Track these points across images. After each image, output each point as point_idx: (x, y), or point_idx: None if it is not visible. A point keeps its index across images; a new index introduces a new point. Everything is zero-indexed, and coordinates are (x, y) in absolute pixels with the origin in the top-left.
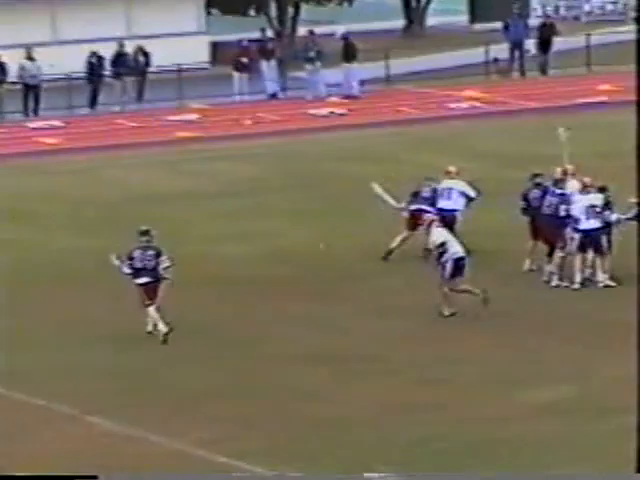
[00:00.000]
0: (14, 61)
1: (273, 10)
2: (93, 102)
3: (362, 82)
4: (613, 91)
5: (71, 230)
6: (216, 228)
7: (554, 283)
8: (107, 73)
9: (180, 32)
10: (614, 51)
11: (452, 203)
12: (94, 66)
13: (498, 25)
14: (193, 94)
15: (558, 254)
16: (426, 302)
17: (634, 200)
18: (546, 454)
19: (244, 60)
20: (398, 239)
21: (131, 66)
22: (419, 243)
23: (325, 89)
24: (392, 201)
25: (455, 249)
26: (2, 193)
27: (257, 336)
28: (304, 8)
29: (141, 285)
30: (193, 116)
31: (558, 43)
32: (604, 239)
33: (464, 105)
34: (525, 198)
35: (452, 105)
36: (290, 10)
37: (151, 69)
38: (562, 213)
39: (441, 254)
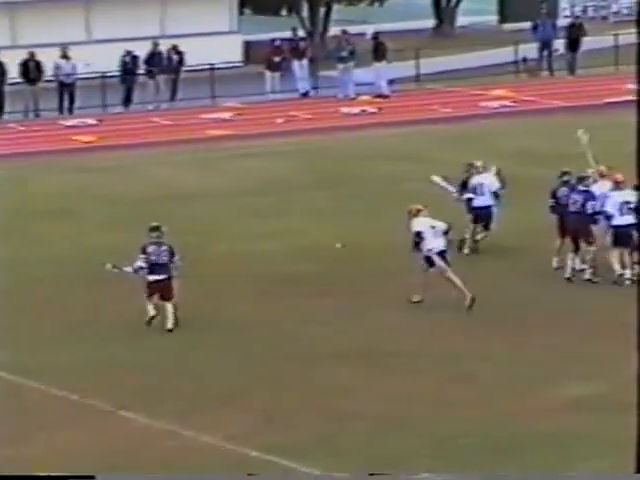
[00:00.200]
0: (50, 60)
1: (305, 10)
2: (127, 100)
3: (391, 81)
4: None
5: (103, 227)
6: (247, 226)
7: (587, 276)
8: (141, 72)
9: (213, 31)
10: None
11: (485, 199)
12: (128, 65)
13: (527, 25)
14: (226, 93)
15: (589, 250)
16: (453, 298)
17: None
18: (573, 450)
19: (276, 59)
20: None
21: (165, 65)
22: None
23: (354, 89)
24: (452, 189)
25: (433, 243)
26: (36, 190)
27: (286, 332)
28: (335, 8)
29: (157, 282)
30: (226, 114)
31: (586, 43)
32: (636, 236)
33: (493, 104)
34: (554, 196)
35: (482, 104)
36: (322, 10)
37: (184, 68)
38: (589, 210)
39: (417, 243)
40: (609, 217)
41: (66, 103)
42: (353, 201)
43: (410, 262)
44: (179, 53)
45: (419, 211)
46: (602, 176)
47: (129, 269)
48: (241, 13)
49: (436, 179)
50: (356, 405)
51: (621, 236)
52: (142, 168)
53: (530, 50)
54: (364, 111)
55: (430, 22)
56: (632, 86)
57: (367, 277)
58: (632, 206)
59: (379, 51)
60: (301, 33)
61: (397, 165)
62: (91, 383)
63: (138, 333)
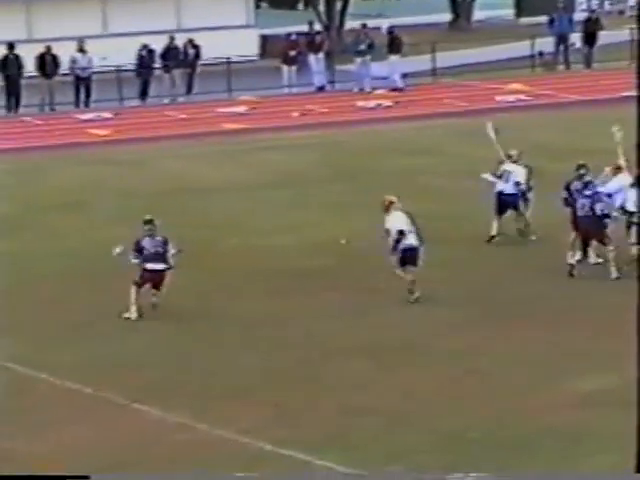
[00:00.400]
0: (66, 54)
1: (321, 4)
2: (143, 94)
3: (405, 75)
4: None
5: (117, 221)
6: (262, 220)
7: (614, 275)
8: (157, 66)
9: (229, 25)
10: None
11: (510, 186)
12: (144, 59)
13: (543, 19)
14: (242, 86)
15: (608, 249)
16: (465, 293)
17: None
18: (579, 446)
19: (292, 53)
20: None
21: (181, 59)
22: (457, 234)
23: (370, 83)
24: (501, 151)
25: (409, 240)
26: (51, 183)
27: (297, 327)
28: (352, 2)
29: (154, 271)
30: (242, 108)
31: (603, 37)
32: None
33: (510, 98)
34: (567, 188)
35: (498, 98)
36: (338, 4)
37: (201, 62)
38: (598, 212)
39: (398, 241)
40: (631, 214)
41: (82, 97)
42: (368, 195)
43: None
44: (195, 47)
45: (392, 203)
46: (619, 169)
47: (136, 261)
48: (257, 7)
49: (490, 131)
50: (366, 400)
51: None
52: (157, 162)
53: (546, 44)
54: (380, 105)
55: (446, 16)
56: None
57: (381, 272)
58: None
59: (394, 45)
60: (317, 27)
61: (413, 159)
62: (104, 377)
63: (152, 327)
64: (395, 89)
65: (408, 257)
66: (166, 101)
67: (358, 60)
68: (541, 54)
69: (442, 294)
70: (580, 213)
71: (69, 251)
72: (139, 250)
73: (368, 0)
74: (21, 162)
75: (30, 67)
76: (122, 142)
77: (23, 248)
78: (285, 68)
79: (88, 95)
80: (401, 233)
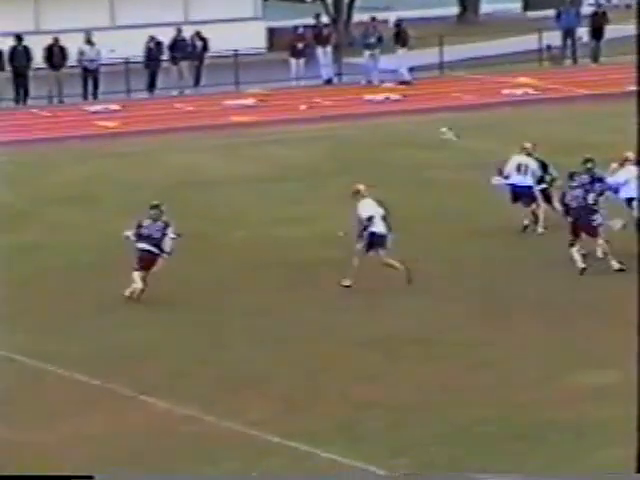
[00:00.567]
0: (74, 45)
1: None
2: (151, 86)
3: (412, 68)
4: None
5: (123, 213)
6: (270, 212)
7: (616, 267)
8: (165, 58)
9: (237, 18)
10: None
11: (526, 179)
12: (152, 51)
13: (551, 13)
14: (249, 79)
15: (598, 243)
16: (471, 286)
17: None
18: (591, 438)
19: (300, 46)
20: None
21: (188, 51)
22: (466, 227)
23: (378, 76)
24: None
25: (378, 227)
26: (58, 176)
27: (306, 319)
28: None
29: (141, 250)
30: (249, 101)
31: (610, 31)
32: None
33: (517, 92)
34: (571, 178)
35: (505, 91)
36: None
37: (208, 54)
38: (590, 201)
39: (365, 228)
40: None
41: (90, 89)
42: (376, 188)
43: (425, 248)
44: (203, 39)
45: (358, 191)
46: (628, 161)
47: (128, 233)
48: None
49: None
50: (375, 392)
51: None
52: (165, 154)
53: (554, 38)
54: (387, 98)
55: (454, 9)
56: None
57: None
58: None
59: (400, 38)
60: (325, 20)
61: (420, 152)
62: (112, 368)
63: (158, 319)
64: (403, 82)
65: (375, 241)
66: (174, 93)
67: (367, 53)
68: (549, 48)
69: (451, 287)
70: (573, 204)
71: (77, 243)
72: (138, 228)
73: None
74: (29, 154)
75: (38, 59)
76: (130, 134)
77: (31, 240)
78: (293, 61)
79: (96, 87)
80: (369, 219)
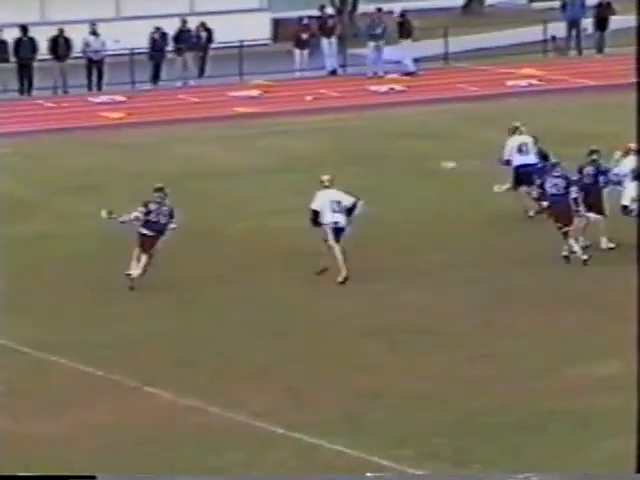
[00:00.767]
0: (79, 36)
1: None
2: (155, 77)
3: (417, 59)
4: None
5: (130, 204)
6: (275, 203)
7: (584, 257)
8: (169, 49)
9: (242, 9)
10: None
11: (531, 157)
12: (157, 42)
13: (556, 4)
14: (254, 70)
15: (569, 230)
16: (475, 278)
17: None
18: (596, 429)
19: (305, 37)
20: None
21: (193, 42)
22: (469, 217)
23: (382, 67)
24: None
25: (331, 218)
26: (63, 166)
27: (310, 310)
28: None
29: (145, 236)
30: (254, 92)
31: (615, 22)
32: None
33: (522, 83)
34: (580, 172)
35: (510, 82)
36: None
37: (213, 45)
38: (573, 195)
39: (314, 220)
40: None
41: (95, 80)
42: (380, 179)
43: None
44: (208, 30)
45: (321, 182)
46: (630, 151)
47: (124, 218)
48: None
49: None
50: (380, 383)
51: None
52: (170, 145)
53: (559, 29)
54: (392, 89)
55: (459, 0)
56: None
57: (391, 255)
58: None
59: (405, 29)
60: (330, 11)
61: (425, 143)
62: (116, 359)
63: (163, 310)
64: (407, 73)
65: (336, 236)
66: (178, 84)
67: (372, 44)
68: (554, 39)
69: (452, 278)
70: (552, 191)
71: (81, 233)
72: (147, 214)
73: None
74: (34, 145)
75: (43, 50)
76: (134, 125)
77: (35, 230)
78: (297, 52)
79: (101, 78)
80: (315, 213)
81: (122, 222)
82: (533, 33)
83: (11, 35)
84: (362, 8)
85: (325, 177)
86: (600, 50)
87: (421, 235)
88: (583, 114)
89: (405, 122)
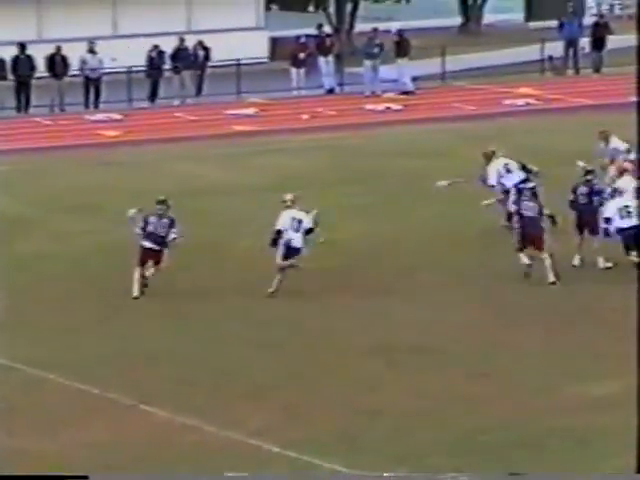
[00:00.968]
0: (76, 54)
1: (332, 6)
2: (153, 95)
3: (415, 78)
4: None
5: (125, 222)
6: (271, 220)
7: (551, 279)
8: (167, 67)
9: (239, 27)
10: None
11: (516, 176)
12: (154, 60)
13: (553, 23)
14: (251, 88)
15: (542, 256)
16: (474, 296)
17: None
18: (593, 448)
19: (302, 55)
20: None
21: (191, 60)
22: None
23: (379, 86)
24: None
25: (290, 236)
26: (60, 185)
27: (308, 328)
28: (362, 5)
29: (145, 249)
30: (251, 110)
31: (612, 41)
32: None
33: (519, 102)
34: (574, 192)
35: (507, 102)
36: (348, 6)
37: (210, 63)
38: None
39: (274, 240)
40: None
41: (92, 98)
42: (377, 197)
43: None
44: (205, 49)
45: (284, 202)
46: (625, 171)
47: (138, 230)
48: (268, 9)
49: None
50: (378, 401)
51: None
52: (167, 163)
53: (556, 48)
54: (389, 108)
55: (457, 20)
56: None
57: (389, 273)
58: None
59: (402, 48)
60: (327, 29)
61: (422, 162)
62: (112, 377)
63: (160, 328)
64: (405, 92)
65: (290, 253)
66: (176, 103)
67: (368, 63)
68: (551, 58)
69: (451, 296)
70: (527, 214)
71: (78, 252)
72: (144, 225)
73: (378, 3)
74: (30, 162)
75: (40, 67)
76: (131, 143)
77: (32, 249)
78: (294, 70)
79: (98, 96)
80: (278, 233)
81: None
82: (530, 52)
83: (9, 53)
84: (359, 27)
85: (288, 196)
86: (597, 70)
87: (419, 253)
88: (580, 133)
89: (402, 141)
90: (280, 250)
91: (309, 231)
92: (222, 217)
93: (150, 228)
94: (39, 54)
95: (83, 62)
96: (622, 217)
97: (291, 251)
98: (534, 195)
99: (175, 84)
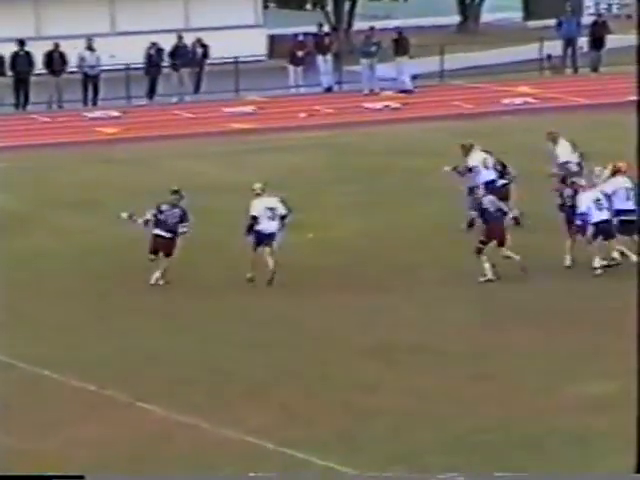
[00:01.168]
0: (74, 51)
1: (330, 4)
2: (151, 93)
3: (414, 76)
4: None
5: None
6: None
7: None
8: (165, 64)
9: (238, 25)
10: None
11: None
12: (153, 57)
13: (551, 22)
14: (249, 86)
15: (502, 251)
16: (473, 294)
17: None
18: (593, 448)
19: (300, 54)
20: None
21: (189, 58)
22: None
23: (377, 84)
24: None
25: (265, 225)
26: (59, 181)
27: (306, 327)
28: (360, 3)
29: (156, 236)
30: (249, 108)
31: (610, 41)
32: None
33: (517, 101)
34: (560, 195)
35: (505, 101)
36: (346, 5)
37: (209, 61)
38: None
39: (251, 226)
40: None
41: (90, 95)
42: (375, 195)
43: (426, 255)
44: (204, 46)
45: (253, 190)
46: (618, 171)
47: (141, 221)
48: (266, 7)
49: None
50: (376, 401)
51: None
52: (165, 160)
53: (554, 47)
54: (387, 106)
55: (455, 18)
56: None
57: (388, 272)
58: None
59: (400, 46)
60: (326, 28)
61: (420, 160)
62: (110, 375)
63: (159, 325)
64: (404, 91)
65: (262, 239)
66: (174, 100)
67: (365, 62)
68: (549, 57)
69: (453, 296)
70: (490, 209)
71: (77, 249)
72: (157, 213)
73: (376, 1)
74: (29, 159)
75: (38, 64)
76: (129, 140)
77: (31, 245)
78: (292, 68)
79: (96, 93)
80: (253, 219)
81: (143, 222)
82: (529, 51)
83: (7, 50)
84: (357, 25)
85: (257, 185)
86: (595, 69)
87: (418, 251)
88: (578, 133)
89: (400, 139)
90: (252, 238)
91: (283, 217)
92: (220, 214)
93: (162, 217)
94: (37, 51)
95: (81, 59)
96: (600, 209)
97: (263, 237)
98: (505, 194)
99: (173, 81)
